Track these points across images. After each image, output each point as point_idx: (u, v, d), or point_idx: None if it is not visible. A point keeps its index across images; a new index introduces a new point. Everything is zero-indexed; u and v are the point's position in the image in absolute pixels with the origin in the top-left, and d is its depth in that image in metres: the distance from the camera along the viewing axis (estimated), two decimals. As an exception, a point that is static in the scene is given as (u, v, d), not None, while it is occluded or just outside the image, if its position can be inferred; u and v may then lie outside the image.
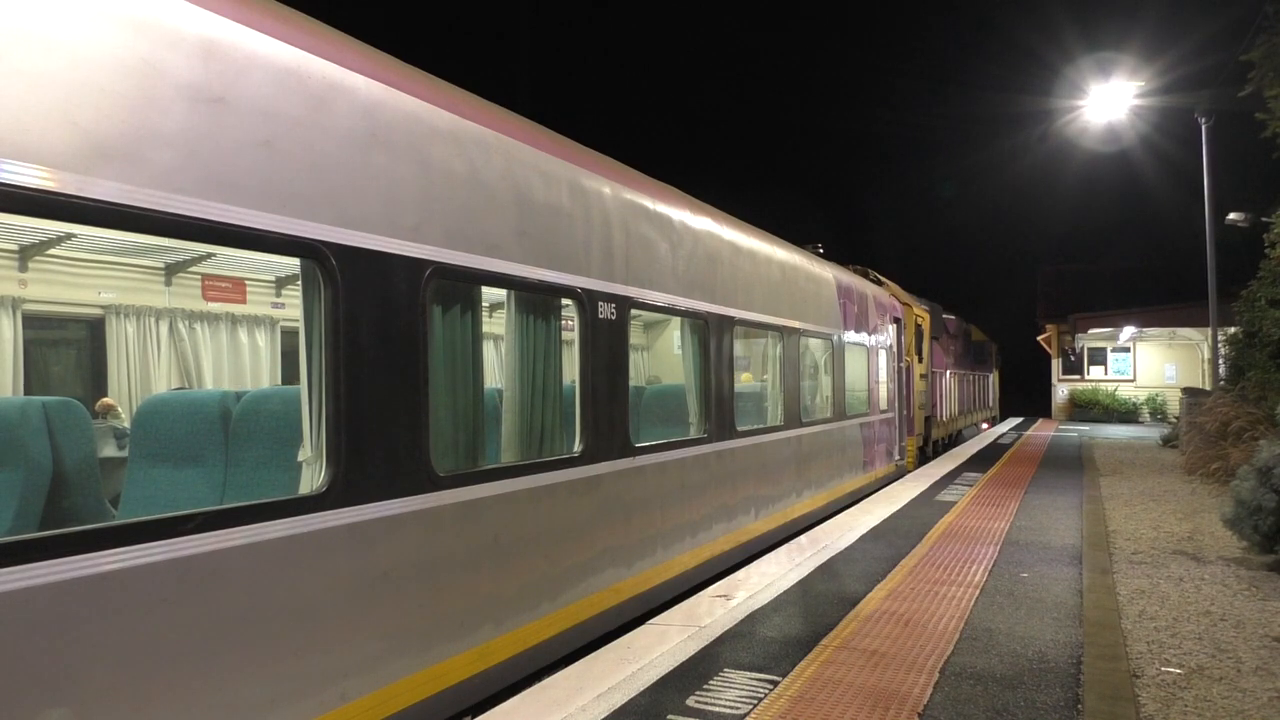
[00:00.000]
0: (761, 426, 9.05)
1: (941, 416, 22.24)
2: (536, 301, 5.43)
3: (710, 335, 7.59)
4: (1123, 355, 34.19)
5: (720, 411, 7.71)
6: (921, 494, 12.23)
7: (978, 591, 6.59)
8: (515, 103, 5.77)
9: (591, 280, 5.73)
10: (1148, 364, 33.72)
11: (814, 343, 10.88)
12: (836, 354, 11.65)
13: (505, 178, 4.92)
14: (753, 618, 5.90)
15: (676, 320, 8.08)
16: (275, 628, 3.39)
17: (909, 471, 15.81)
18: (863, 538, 8.84)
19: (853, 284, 12.80)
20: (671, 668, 4.88)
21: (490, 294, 5.61)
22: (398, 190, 4.10)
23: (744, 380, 9.53)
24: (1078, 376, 34.73)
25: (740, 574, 7.28)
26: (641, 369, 11.53)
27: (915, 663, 4.95)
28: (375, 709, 3.82)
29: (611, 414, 5.93)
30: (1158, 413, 31.90)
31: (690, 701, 4.37)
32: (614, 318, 5.98)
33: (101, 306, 7.64)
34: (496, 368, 9.42)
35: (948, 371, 23.92)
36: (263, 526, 3.33)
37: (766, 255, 9.17)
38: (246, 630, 3.27)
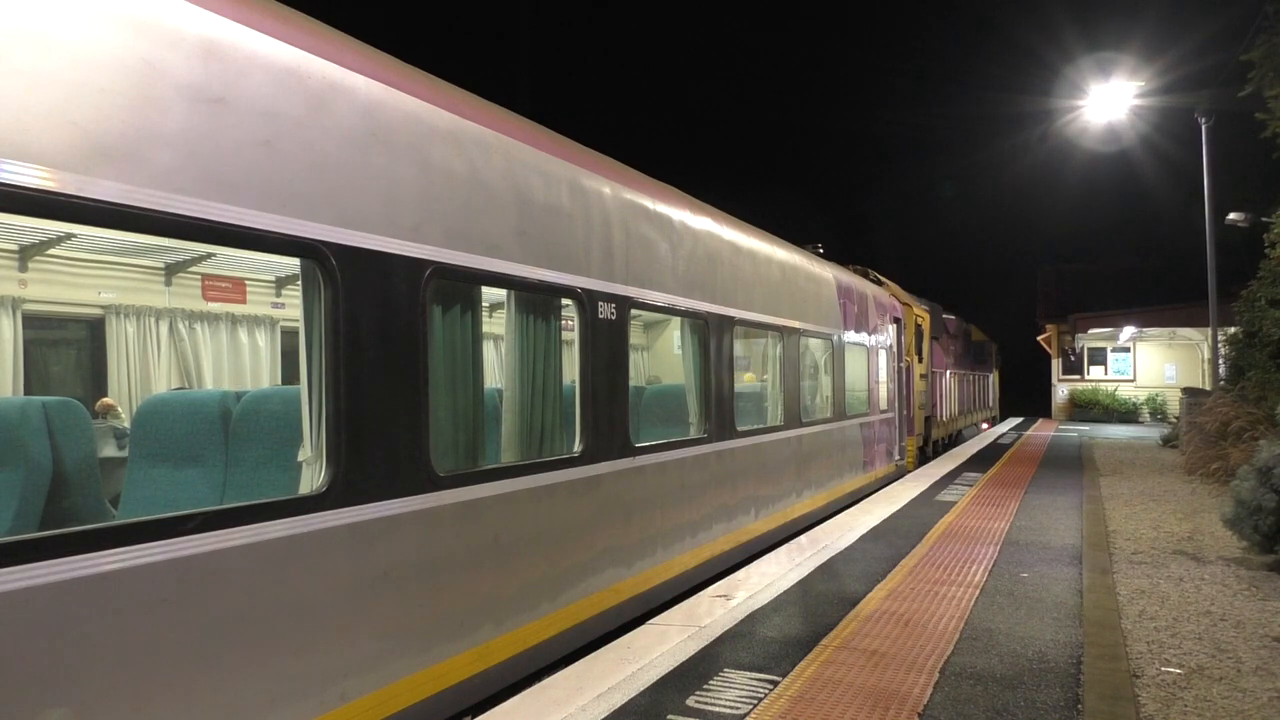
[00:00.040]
0: (761, 426, 9.05)
1: (941, 416, 22.25)
2: (536, 301, 5.43)
3: (710, 335, 7.59)
4: (1123, 355, 34.19)
5: (720, 411, 7.71)
6: (921, 494, 12.22)
7: (978, 591, 6.59)
8: (515, 103, 5.78)
9: (591, 280, 5.73)
10: (1148, 364, 33.72)
11: (814, 343, 10.88)
12: (836, 354, 11.65)
13: (505, 178, 4.92)
14: (753, 618, 5.90)
15: (676, 320, 8.08)
16: (275, 628, 3.39)
17: (909, 471, 15.81)
18: (863, 538, 8.84)
19: (853, 284, 12.80)
20: (671, 668, 4.88)
21: (490, 294, 5.61)
22: (398, 190, 4.10)
23: (745, 380, 9.53)
24: (1078, 376, 34.73)
25: (740, 574, 7.28)
26: (641, 369, 11.53)
27: (915, 663, 4.95)
28: (375, 709, 3.82)
29: (611, 414, 5.93)
30: (1158, 413, 31.90)
31: (690, 701, 4.38)
32: (614, 318, 5.98)
33: (101, 306, 7.64)
34: (496, 368, 9.42)
35: (948, 371, 23.92)
36: (263, 526, 3.33)
37: (766, 255, 9.17)
38: (247, 630, 3.27)
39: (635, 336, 10.42)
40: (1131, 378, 33.84)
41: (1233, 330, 17.69)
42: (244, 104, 3.38)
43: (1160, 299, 29.88)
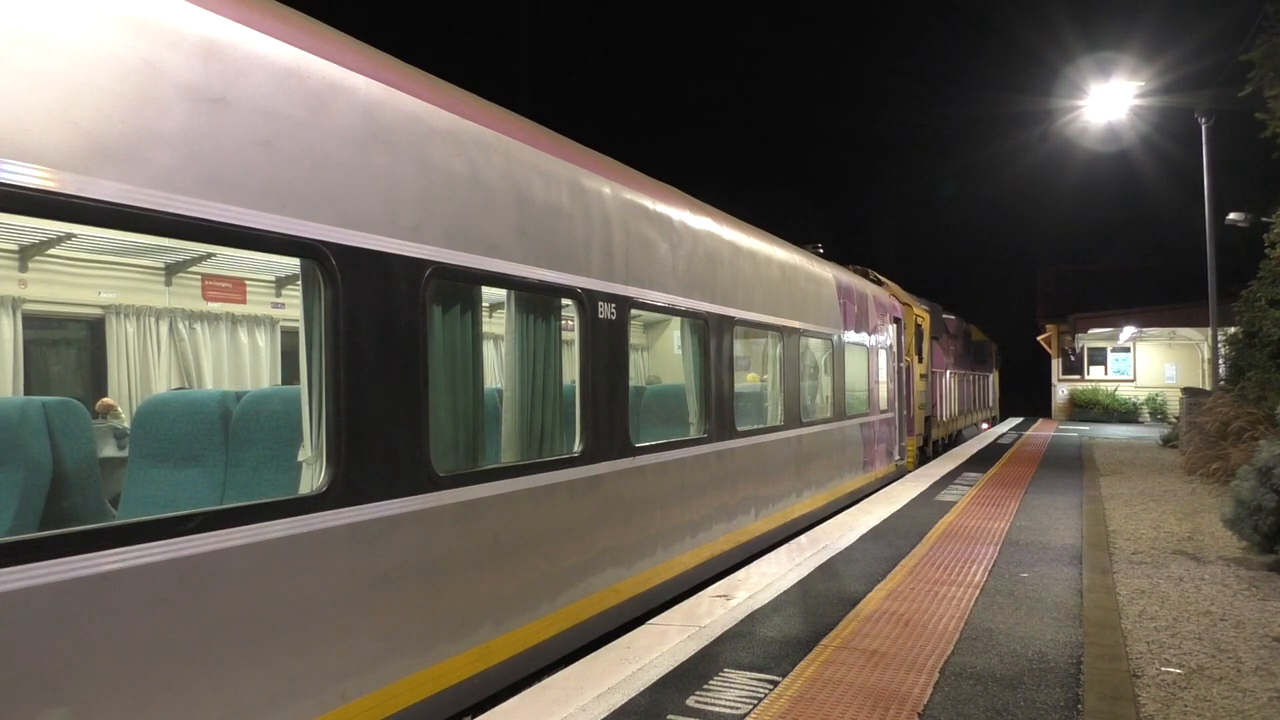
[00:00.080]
0: (761, 426, 9.05)
1: (941, 416, 22.25)
2: (536, 301, 5.43)
3: (710, 335, 7.59)
4: (1123, 355, 34.20)
5: (720, 411, 7.71)
6: (921, 494, 12.23)
7: (978, 591, 6.59)
8: (515, 103, 5.78)
9: (591, 280, 5.73)
10: (1148, 364, 33.73)
11: (814, 343, 10.88)
12: (836, 354, 11.66)
13: (505, 177, 4.92)
14: (753, 618, 5.90)
15: (676, 320, 8.08)
16: (275, 628, 3.39)
17: (909, 471, 15.81)
18: (863, 538, 8.84)
19: (853, 284, 12.80)
20: (671, 668, 4.88)
21: (490, 294, 5.61)
22: (398, 190, 4.10)
23: (746, 380, 9.53)
24: (1078, 376, 34.74)
25: (740, 574, 7.28)
26: (641, 369, 11.53)
27: (915, 663, 4.95)
28: (375, 709, 3.82)
29: (611, 414, 5.93)
30: (1158, 413, 31.90)
31: (690, 701, 4.38)
32: (614, 318, 5.98)
33: (101, 306, 7.64)
34: (496, 368, 9.42)
35: (948, 371, 23.92)
36: (263, 526, 3.33)
37: (766, 255, 9.17)
38: (247, 630, 3.27)
39: (635, 336, 10.42)
40: (1131, 378, 33.85)
41: (1233, 330, 17.69)
42: (244, 104, 3.38)
43: (1160, 299, 29.89)
